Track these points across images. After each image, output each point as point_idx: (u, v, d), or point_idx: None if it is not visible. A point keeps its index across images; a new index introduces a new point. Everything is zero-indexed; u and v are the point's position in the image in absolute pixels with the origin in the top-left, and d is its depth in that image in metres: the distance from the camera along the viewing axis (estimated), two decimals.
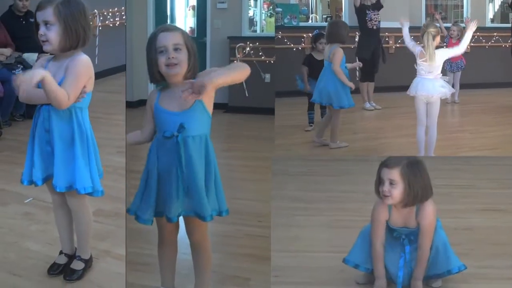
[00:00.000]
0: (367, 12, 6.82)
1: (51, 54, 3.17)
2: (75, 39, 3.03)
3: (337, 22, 5.58)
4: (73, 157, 3.16)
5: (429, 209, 3.08)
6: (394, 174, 3.00)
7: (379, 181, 3.06)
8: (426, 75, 4.63)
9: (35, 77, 2.85)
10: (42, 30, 3.00)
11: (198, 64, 2.93)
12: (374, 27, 6.86)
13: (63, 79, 3.04)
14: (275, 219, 4.12)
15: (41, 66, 3.16)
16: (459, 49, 4.77)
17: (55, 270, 3.48)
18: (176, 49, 2.83)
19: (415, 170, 3.02)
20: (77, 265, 3.46)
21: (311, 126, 6.05)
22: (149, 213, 2.96)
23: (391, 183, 3.00)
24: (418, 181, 3.01)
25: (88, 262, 3.51)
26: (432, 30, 4.56)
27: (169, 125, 2.88)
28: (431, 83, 4.63)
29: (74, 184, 3.18)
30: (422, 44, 4.59)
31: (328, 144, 5.42)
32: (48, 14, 2.98)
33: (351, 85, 5.26)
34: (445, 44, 7.14)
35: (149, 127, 2.99)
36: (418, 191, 3.01)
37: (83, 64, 3.09)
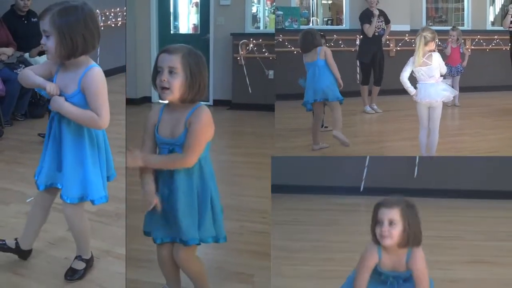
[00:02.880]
0: (372, 19, 6.81)
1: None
2: (72, 48, 3.02)
3: (309, 31, 5.58)
4: (84, 167, 3.19)
5: (421, 254, 2.87)
6: (395, 214, 2.80)
7: (377, 222, 2.83)
8: (428, 80, 4.65)
9: (56, 108, 3.06)
10: (43, 40, 3.05)
11: (205, 88, 2.85)
12: (376, 34, 6.85)
13: (77, 93, 3.09)
14: None
15: (52, 70, 3.19)
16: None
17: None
18: (170, 72, 2.77)
19: (413, 211, 2.85)
20: (78, 265, 3.48)
21: (326, 127, 5.98)
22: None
23: (391, 223, 2.80)
24: (415, 223, 2.84)
25: (89, 262, 3.52)
26: (426, 34, 4.59)
27: (162, 150, 2.88)
28: (433, 88, 4.64)
29: (87, 196, 3.23)
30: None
31: (327, 147, 5.46)
32: (45, 24, 3.01)
33: (341, 82, 5.31)
34: (444, 47, 7.16)
35: (151, 143, 2.93)
36: (415, 233, 2.83)
37: (98, 80, 3.10)
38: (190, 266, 3.07)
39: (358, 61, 7.39)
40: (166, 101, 2.89)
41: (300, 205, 5.63)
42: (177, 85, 2.76)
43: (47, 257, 3.65)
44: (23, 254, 3.59)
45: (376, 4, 6.87)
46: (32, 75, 3.15)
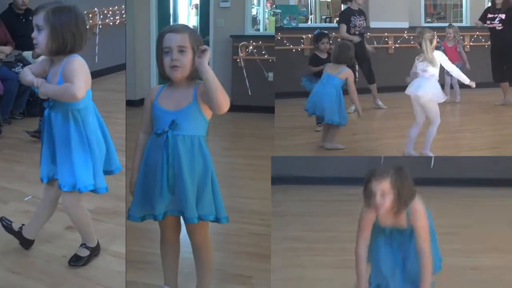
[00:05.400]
0: (352, 18, 6.69)
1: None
2: (62, 44, 3.21)
3: (345, 44, 5.54)
4: (71, 157, 3.31)
5: (419, 208, 2.92)
6: (385, 185, 2.85)
7: (369, 193, 2.89)
8: (422, 74, 4.69)
9: (40, 90, 3.24)
10: (34, 33, 3.24)
11: None
12: (357, 33, 6.76)
13: (59, 83, 3.23)
14: (279, 259, 4.07)
15: (47, 66, 3.36)
16: (450, 68, 4.81)
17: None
18: (180, 51, 2.83)
19: (402, 177, 2.87)
20: (82, 252, 3.60)
21: (320, 126, 5.89)
22: (134, 210, 3.00)
23: (383, 194, 2.85)
24: (406, 187, 2.87)
25: (94, 250, 3.64)
26: (428, 35, 4.63)
27: (163, 123, 2.90)
28: (424, 83, 4.67)
29: (76, 184, 3.33)
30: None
31: (342, 148, 5.43)
32: (39, 18, 3.20)
33: (360, 111, 5.34)
34: (440, 45, 7.12)
35: (149, 122, 3.00)
36: (407, 195, 2.88)
37: (75, 63, 3.24)
38: (207, 248, 3.12)
39: None
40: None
41: (315, 196, 5.70)
42: (187, 63, 2.85)
43: (45, 255, 3.65)
44: (25, 242, 3.71)
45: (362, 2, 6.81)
46: (26, 73, 3.34)
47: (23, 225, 3.71)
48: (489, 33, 7.11)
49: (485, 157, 5.55)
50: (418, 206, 2.91)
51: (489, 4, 7.26)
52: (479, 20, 7.13)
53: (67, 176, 3.32)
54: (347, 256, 3.61)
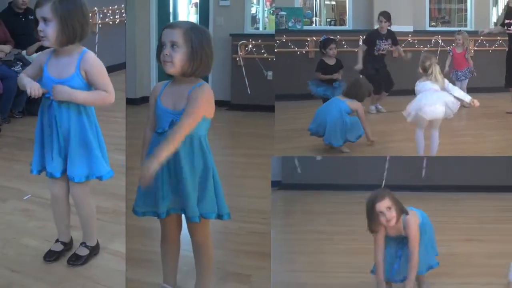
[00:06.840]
0: (377, 41, 6.65)
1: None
2: (72, 34, 3.20)
3: (358, 81, 5.51)
4: (89, 149, 3.34)
5: (412, 221, 3.59)
6: (388, 202, 3.50)
7: (377, 214, 3.51)
8: (424, 91, 4.68)
9: (65, 97, 3.22)
10: (41, 26, 3.18)
11: (208, 63, 3.00)
12: (379, 54, 6.72)
13: (75, 76, 3.24)
14: (307, 247, 4.75)
15: (42, 62, 3.35)
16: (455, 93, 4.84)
17: (50, 256, 3.58)
18: (172, 46, 2.85)
19: (394, 196, 3.56)
20: (82, 251, 3.58)
21: None
22: (138, 204, 3.03)
23: (389, 209, 3.50)
24: (399, 201, 3.56)
25: (94, 249, 3.63)
26: (436, 61, 4.67)
27: (164, 122, 2.92)
28: (424, 99, 4.67)
29: (93, 173, 3.38)
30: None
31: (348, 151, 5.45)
32: (46, 11, 3.15)
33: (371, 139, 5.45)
34: (449, 51, 7.09)
35: (154, 119, 3.01)
36: (401, 208, 3.55)
37: (97, 61, 3.31)
38: (207, 246, 3.13)
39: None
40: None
41: (336, 199, 6.32)
42: (178, 58, 2.85)
43: (44, 254, 3.61)
44: (69, 245, 3.69)
45: (388, 26, 6.75)
46: (21, 78, 3.34)
47: (57, 239, 3.65)
48: (492, 39, 7.07)
49: (461, 166, 6.38)
50: (411, 218, 3.59)
51: (494, 9, 7.22)
52: (500, 25, 7.08)
53: (80, 167, 3.34)
54: (359, 245, 4.43)
